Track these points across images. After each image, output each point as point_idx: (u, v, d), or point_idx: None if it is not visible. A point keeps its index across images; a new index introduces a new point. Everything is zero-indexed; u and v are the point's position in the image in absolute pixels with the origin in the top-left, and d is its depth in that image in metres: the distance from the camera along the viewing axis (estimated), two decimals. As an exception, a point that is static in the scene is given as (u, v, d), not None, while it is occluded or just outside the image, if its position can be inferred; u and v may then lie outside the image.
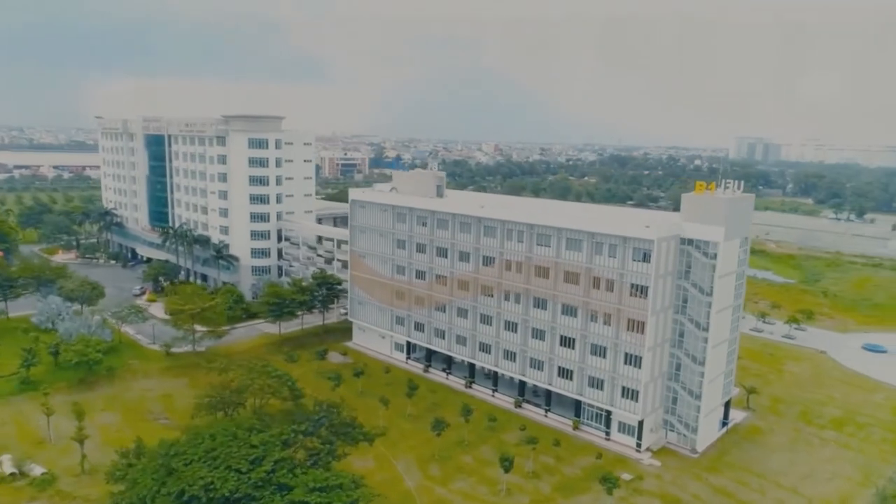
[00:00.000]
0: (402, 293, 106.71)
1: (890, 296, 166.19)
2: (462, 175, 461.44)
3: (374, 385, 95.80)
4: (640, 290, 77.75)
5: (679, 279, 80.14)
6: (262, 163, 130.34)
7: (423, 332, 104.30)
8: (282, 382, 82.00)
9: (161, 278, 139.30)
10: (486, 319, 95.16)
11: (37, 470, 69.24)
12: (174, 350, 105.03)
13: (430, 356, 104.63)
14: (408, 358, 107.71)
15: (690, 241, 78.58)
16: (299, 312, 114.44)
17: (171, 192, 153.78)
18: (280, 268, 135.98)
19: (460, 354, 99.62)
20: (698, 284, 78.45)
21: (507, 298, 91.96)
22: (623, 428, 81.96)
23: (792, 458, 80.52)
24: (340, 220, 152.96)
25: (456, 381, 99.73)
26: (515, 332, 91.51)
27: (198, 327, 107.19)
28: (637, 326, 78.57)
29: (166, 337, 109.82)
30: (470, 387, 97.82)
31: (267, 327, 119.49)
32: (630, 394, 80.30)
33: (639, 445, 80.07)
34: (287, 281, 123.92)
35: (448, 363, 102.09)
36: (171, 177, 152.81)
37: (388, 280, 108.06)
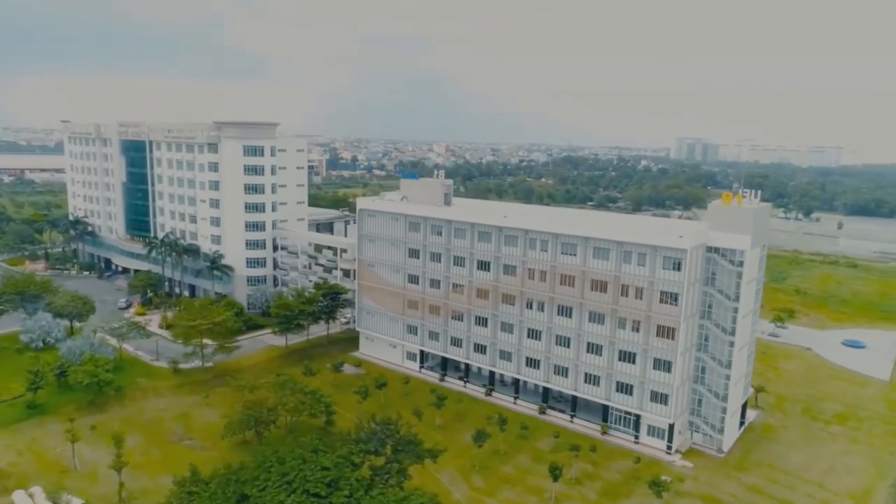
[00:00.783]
0: (414, 302, 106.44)
1: (853, 292, 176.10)
2: (423, 177, 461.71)
3: (394, 396, 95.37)
4: (671, 298, 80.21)
5: (704, 285, 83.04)
6: (257, 170, 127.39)
7: (439, 340, 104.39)
8: (315, 399, 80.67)
9: (149, 290, 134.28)
10: (506, 328, 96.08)
11: (74, 502, 65.96)
12: (182, 366, 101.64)
13: (445, 365, 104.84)
14: (421, 367, 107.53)
15: (716, 249, 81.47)
16: (306, 323, 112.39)
17: (153, 201, 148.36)
18: (275, 277, 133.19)
19: (479, 363, 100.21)
20: (724, 290, 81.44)
21: (529, 306, 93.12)
22: (652, 431, 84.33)
23: (809, 454, 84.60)
24: (324, 227, 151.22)
25: (474, 390, 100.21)
26: (539, 339, 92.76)
27: (206, 342, 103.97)
28: (667, 332, 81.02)
29: (169, 353, 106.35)
30: (490, 395, 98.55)
31: (270, 339, 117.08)
32: (660, 398, 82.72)
33: (669, 448, 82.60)
34: (288, 291, 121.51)
35: (465, 371, 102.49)
36: (153, 184, 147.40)
37: (399, 289, 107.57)
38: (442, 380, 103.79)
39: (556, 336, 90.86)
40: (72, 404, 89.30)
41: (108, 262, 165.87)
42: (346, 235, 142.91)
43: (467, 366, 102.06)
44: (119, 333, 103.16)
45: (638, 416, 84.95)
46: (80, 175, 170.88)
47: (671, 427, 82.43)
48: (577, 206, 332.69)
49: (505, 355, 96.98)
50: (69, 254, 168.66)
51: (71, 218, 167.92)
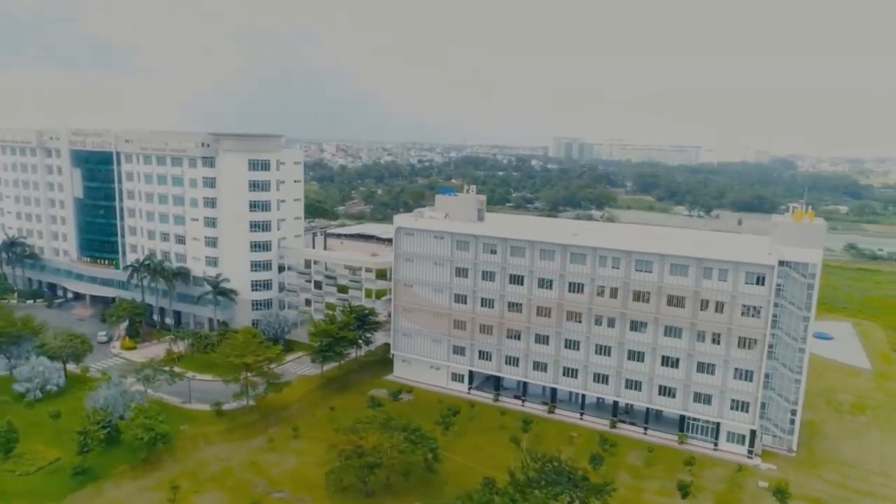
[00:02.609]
0: (462, 322, 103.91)
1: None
2: (332, 179, 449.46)
3: (464, 422, 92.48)
4: (754, 311, 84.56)
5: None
6: (263, 186, 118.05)
7: (491, 360, 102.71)
8: (420, 436, 76.39)
9: (134, 321, 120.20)
10: (572, 344, 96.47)
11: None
12: (226, 408, 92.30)
13: (498, 385, 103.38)
14: (469, 388, 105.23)
15: (787, 263, 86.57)
16: (346, 350, 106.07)
17: (122, 219, 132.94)
18: (281, 301, 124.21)
19: (539, 380, 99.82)
20: (794, 301, 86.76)
21: (598, 323, 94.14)
22: (731, 437, 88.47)
23: (858, 446, 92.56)
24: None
25: (533, 408, 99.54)
26: (609, 355, 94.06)
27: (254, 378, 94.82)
28: (749, 343, 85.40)
29: (197, 393, 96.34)
30: (552, 412, 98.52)
31: (297, 367, 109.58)
32: (741, 405, 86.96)
33: (750, 452, 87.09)
34: (298, 315, 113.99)
35: (523, 390, 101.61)
36: (122, 200, 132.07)
37: (444, 309, 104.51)
38: (496, 400, 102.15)
39: (629, 351, 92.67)
40: (123, 464, 78.50)
41: (51, 287, 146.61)
42: (314, 248, 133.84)
43: (524, 384, 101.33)
44: (146, 377, 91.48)
45: (717, 424, 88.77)
46: (10, 189, 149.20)
47: (752, 433, 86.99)
48: (502, 209, 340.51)
49: (569, 372, 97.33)
50: (3, 281, 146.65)
51: (4, 239, 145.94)
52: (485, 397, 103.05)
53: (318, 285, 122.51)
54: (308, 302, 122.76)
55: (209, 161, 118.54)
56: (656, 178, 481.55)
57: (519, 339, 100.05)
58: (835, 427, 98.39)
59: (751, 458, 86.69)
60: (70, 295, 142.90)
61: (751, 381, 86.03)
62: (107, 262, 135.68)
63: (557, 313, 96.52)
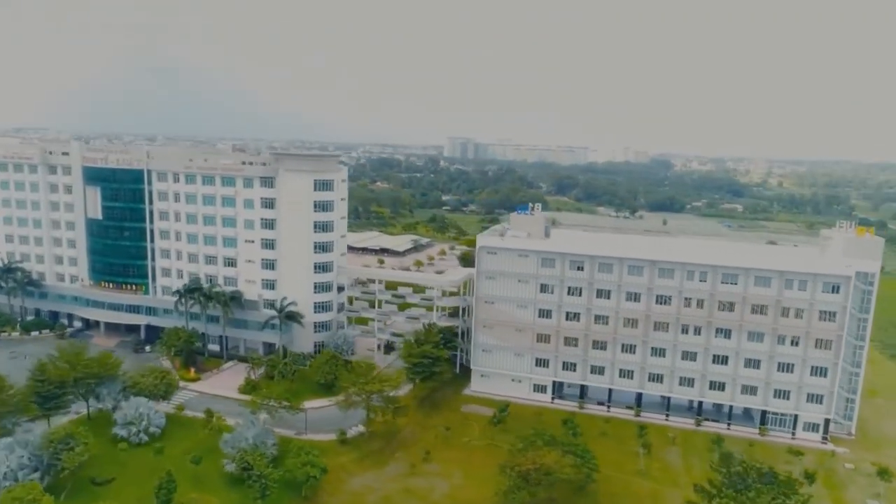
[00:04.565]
0: (546, 336, 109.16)
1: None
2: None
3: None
4: (830, 315, 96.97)
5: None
6: (326, 207, 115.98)
7: (576, 371, 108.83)
8: (582, 451, 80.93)
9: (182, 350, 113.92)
10: (658, 352, 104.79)
11: None
12: (350, 435, 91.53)
13: (583, 393, 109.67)
14: (553, 398, 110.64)
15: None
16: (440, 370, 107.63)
17: (152, 241, 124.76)
18: (339, 321, 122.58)
19: (625, 387, 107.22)
20: (854, 305, 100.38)
21: (685, 331, 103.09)
22: (807, 427, 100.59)
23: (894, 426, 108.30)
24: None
25: (620, 413, 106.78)
26: (694, 360, 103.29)
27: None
28: (824, 344, 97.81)
29: (298, 423, 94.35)
30: (639, 416, 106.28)
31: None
32: (815, 398, 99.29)
33: (825, 438, 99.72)
34: (361, 334, 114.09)
35: (609, 396, 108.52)
36: (152, 221, 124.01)
37: (527, 324, 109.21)
38: (582, 408, 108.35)
39: (713, 355, 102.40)
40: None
41: (53, 316, 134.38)
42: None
43: (610, 391, 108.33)
44: (269, 410, 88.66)
45: (795, 416, 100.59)
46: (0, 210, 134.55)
47: (827, 421, 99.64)
48: (439, 212, 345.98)
49: (654, 377, 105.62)
50: (5, 311, 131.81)
51: (1, 264, 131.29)
52: (567, 406, 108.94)
53: (376, 304, 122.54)
54: (349, 321, 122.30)
55: (268, 181, 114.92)
56: (571, 179, 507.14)
57: (605, 349, 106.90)
58: (868, 410, 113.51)
59: (825, 443, 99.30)
60: (78, 324, 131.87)
61: (826, 376, 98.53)
62: (133, 287, 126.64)
63: (644, 324, 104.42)
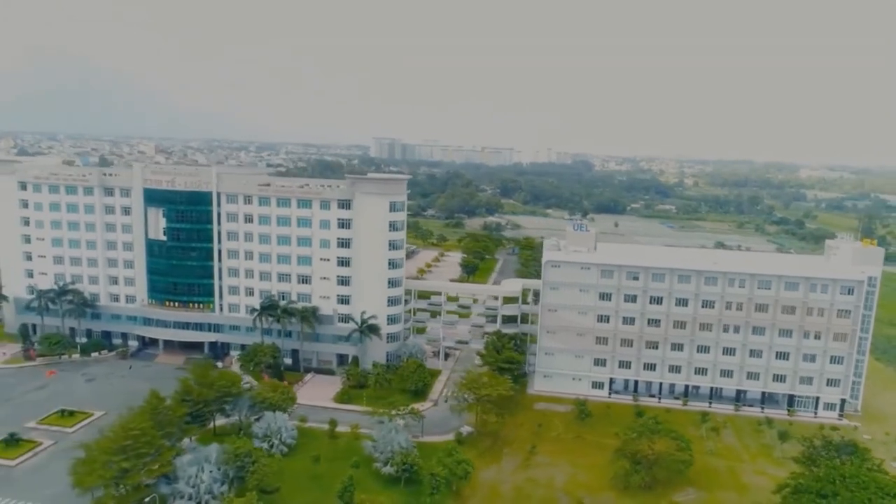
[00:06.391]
0: (604, 338, 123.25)
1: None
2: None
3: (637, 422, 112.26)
4: (846, 313, 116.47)
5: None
6: (397, 226, 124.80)
7: (630, 368, 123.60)
8: (679, 435, 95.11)
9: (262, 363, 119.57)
10: (702, 349, 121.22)
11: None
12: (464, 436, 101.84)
13: (636, 388, 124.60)
14: (610, 393, 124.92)
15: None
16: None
17: (219, 260, 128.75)
18: (406, 332, 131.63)
19: (674, 380, 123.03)
20: (864, 304, 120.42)
21: (726, 330, 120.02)
22: (826, 406, 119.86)
23: (891, 401, 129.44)
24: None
25: (669, 403, 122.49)
26: (734, 355, 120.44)
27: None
28: (841, 337, 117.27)
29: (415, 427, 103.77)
30: (686, 405, 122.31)
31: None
32: (834, 382, 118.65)
33: (841, 415, 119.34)
34: (418, 345, 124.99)
35: (659, 389, 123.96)
36: (220, 242, 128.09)
37: (588, 329, 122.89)
38: (636, 401, 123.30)
39: (750, 350, 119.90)
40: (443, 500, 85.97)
41: (106, 336, 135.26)
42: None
43: (661, 384, 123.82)
44: (401, 415, 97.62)
45: (817, 398, 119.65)
46: (48, 232, 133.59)
47: (843, 401, 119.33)
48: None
49: (700, 371, 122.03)
50: (61, 334, 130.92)
51: (55, 287, 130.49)
52: (623, 399, 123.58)
53: (441, 314, 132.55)
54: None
55: (345, 203, 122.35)
56: (515, 182, 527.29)
57: (657, 348, 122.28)
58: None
59: (841, 420, 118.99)
60: (134, 343, 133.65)
61: (842, 364, 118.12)
62: (199, 305, 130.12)
63: (692, 325, 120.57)
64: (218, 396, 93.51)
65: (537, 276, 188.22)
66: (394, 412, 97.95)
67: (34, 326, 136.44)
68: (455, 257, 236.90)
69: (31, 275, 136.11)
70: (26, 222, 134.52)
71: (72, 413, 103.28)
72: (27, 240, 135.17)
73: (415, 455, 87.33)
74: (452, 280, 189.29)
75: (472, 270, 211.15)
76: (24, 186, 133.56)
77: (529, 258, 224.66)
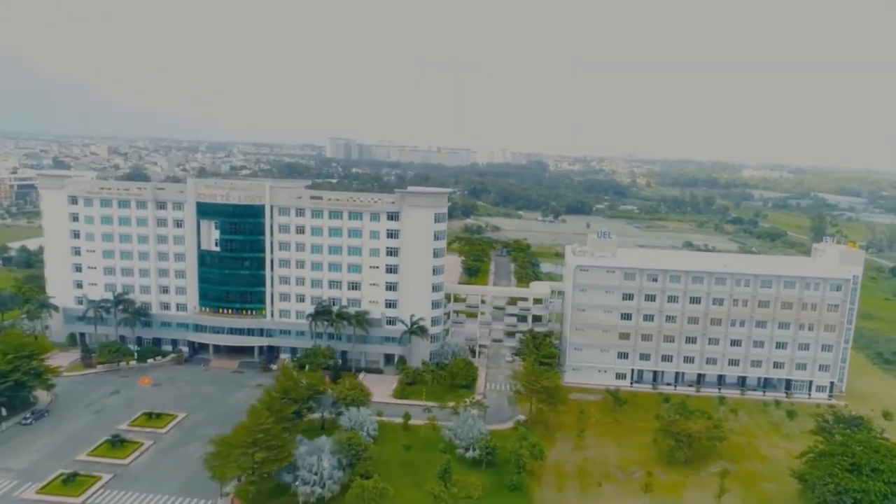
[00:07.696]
0: (626, 334, 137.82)
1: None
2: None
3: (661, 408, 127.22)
4: (834, 307, 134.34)
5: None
6: (439, 236, 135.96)
7: (650, 360, 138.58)
8: (717, 421, 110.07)
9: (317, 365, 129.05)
10: (713, 341, 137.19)
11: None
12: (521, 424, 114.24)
13: (654, 377, 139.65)
14: (632, 383, 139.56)
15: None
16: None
17: (272, 269, 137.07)
18: (446, 332, 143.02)
19: (688, 370, 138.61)
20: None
21: (733, 324, 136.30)
22: (818, 388, 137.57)
23: (869, 383, 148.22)
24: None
25: (683, 390, 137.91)
26: (740, 346, 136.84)
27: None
28: (831, 328, 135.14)
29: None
30: (699, 391, 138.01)
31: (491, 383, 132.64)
32: (825, 367, 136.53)
33: (830, 396, 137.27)
34: (456, 345, 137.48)
35: (675, 378, 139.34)
36: (272, 252, 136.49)
37: (612, 325, 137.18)
38: (654, 388, 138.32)
39: (753, 341, 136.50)
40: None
41: (156, 343, 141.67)
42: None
43: (677, 373, 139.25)
44: (478, 406, 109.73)
45: (811, 381, 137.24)
46: (99, 244, 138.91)
47: (832, 384, 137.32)
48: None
49: (710, 361, 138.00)
50: (117, 342, 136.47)
51: (110, 296, 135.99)
52: (643, 388, 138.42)
53: (478, 315, 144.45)
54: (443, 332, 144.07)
55: (394, 215, 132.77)
56: (483, 183, 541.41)
57: (673, 341, 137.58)
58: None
59: (830, 400, 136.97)
60: (184, 349, 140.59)
61: (831, 351, 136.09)
62: (251, 312, 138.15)
63: (703, 321, 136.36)
64: (309, 395, 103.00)
65: (536, 277, 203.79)
66: (466, 402, 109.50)
67: (82, 335, 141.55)
68: (449, 260, 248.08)
69: (79, 285, 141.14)
70: (76, 235, 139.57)
71: (158, 415, 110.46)
72: (77, 252, 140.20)
73: (490, 441, 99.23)
74: (460, 283, 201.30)
75: (475, 272, 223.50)
76: (74, 200, 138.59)
77: (525, 261, 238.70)
